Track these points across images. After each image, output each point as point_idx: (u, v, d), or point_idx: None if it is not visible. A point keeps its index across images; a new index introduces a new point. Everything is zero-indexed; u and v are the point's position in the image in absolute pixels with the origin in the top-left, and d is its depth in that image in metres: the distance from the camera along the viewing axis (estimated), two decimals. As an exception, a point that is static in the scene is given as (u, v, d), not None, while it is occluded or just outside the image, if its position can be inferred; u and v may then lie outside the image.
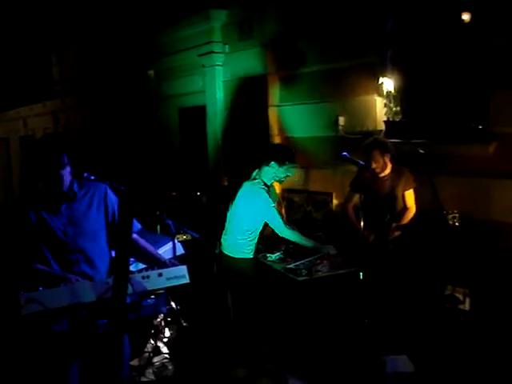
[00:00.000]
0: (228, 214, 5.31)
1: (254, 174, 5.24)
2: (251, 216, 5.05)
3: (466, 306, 4.95)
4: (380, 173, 5.18)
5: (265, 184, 5.11)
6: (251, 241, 5.12)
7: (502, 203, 5.00)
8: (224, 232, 5.33)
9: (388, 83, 6.00)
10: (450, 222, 4.48)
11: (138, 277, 3.00)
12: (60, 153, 3.16)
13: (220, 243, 5.35)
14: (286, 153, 5.22)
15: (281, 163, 5.12)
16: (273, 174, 5.15)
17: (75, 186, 3.38)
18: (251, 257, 5.15)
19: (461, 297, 4.96)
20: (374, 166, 5.08)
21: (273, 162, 5.12)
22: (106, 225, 3.47)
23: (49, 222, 3.24)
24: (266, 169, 5.16)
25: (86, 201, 3.41)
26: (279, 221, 5.00)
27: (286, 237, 5.03)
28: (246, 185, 5.16)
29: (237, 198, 5.19)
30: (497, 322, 4.69)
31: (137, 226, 3.65)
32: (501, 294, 4.81)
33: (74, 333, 3.08)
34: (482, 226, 5.00)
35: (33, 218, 3.21)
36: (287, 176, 5.25)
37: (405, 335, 4.78)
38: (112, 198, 3.52)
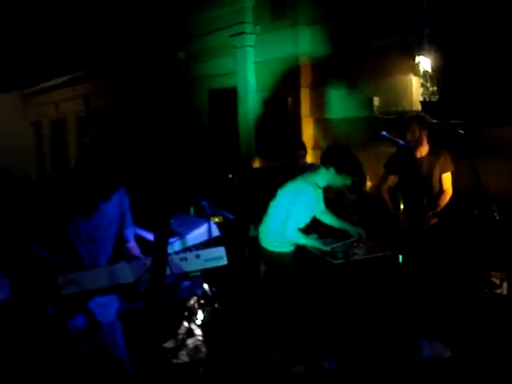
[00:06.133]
0: (270, 204, 5.05)
1: (311, 171, 4.99)
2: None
3: (504, 290, 4.86)
4: (415, 149, 5.04)
5: (317, 185, 4.84)
6: None
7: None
8: (263, 222, 5.10)
9: (424, 62, 5.87)
10: (492, 214, 4.38)
11: (175, 258, 2.95)
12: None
13: (257, 232, 5.18)
14: (350, 162, 4.74)
15: (340, 171, 4.72)
16: (328, 178, 4.81)
17: None
18: (290, 250, 4.95)
19: (497, 281, 4.87)
20: (409, 137, 4.96)
21: (332, 168, 4.72)
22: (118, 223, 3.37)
23: (78, 228, 3.11)
24: (323, 171, 4.80)
25: (111, 204, 3.25)
26: (292, 223, 4.77)
27: (290, 238, 4.85)
28: (298, 180, 4.89)
29: (284, 190, 4.93)
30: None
31: (130, 233, 3.49)
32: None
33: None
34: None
35: (66, 223, 3.08)
36: (345, 185, 4.88)
37: (441, 320, 4.70)
38: (126, 202, 3.39)
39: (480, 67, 5.38)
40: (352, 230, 5.05)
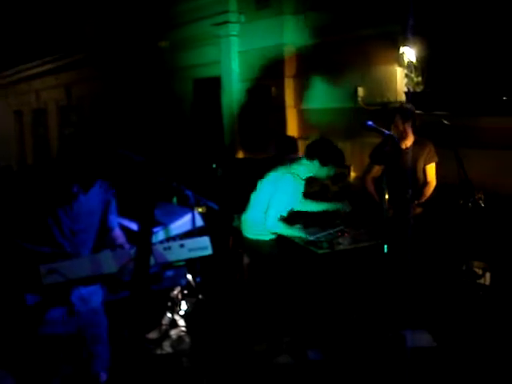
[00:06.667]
0: (252, 194, 5.07)
1: (292, 162, 4.97)
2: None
3: (486, 280, 4.88)
4: (399, 141, 5.04)
5: (298, 175, 4.83)
6: None
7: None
8: (245, 211, 5.11)
9: (409, 53, 5.86)
10: (476, 203, 4.38)
11: (159, 248, 2.91)
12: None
13: (240, 222, 5.19)
14: (334, 154, 4.81)
15: (324, 164, 4.78)
16: (313, 170, 4.85)
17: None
18: (272, 237, 4.93)
19: (480, 271, 4.89)
20: (392, 131, 4.95)
21: (316, 160, 4.78)
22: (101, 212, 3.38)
23: (59, 220, 3.11)
24: (307, 163, 4.84)
25: (92, 192, 3.27)
26: (274, 213, 4.77)
27: (272, 229, 4.84)
28: (279, 170, 4.90)
29: (265, 180, 4.95)
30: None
31: (114, 221, 3.49)
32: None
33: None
34: (507, 200, 4.90)
35: (49, 221, 3.08)
36: (329, 176, 4.99)
37: (426, 310, 4.72)
38: (110, 192, 3.39)
39: (464, 58, 5.38)
40: (336, 206, 5.15)
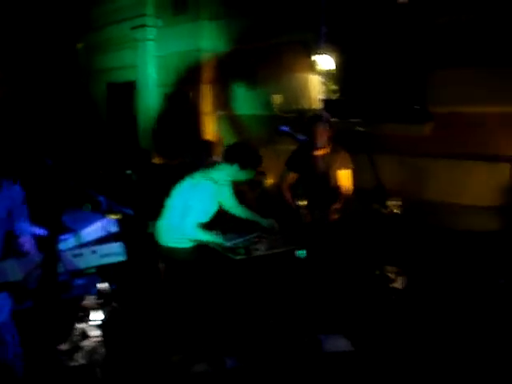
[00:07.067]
0: (167, 200, 4.98)
1: (209, 167, 4.93)
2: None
3: (399, 284, 4.98)
4: (318, 148, 5.09)
5: (214, 180, 4.79)
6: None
7: (437, 183, 5.04)
8: (159, 218, 5.01)
9: (323, 61, 5.95)
10: (391, 210, 4.46)
11: (69, 254, 2.79)
12: None
13: (154, 229, 5.07)
14: (253, 158, 4.80)
15: (244, 167, 4.75)
16: (232, 174, 4.83)
17: None
18: (189, 246, 4.88)
19: (393, 276, 4.98)
20: (318, 139, 5.00)
21: (236, 164, 4.73)
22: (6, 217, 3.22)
23: None
24: (226, 167, 4.81)
25: None
26: (192, 219, 4.72)
27: (190, 235, 4.80)
28: (195, 175, 4.84)
29: (181, 185, 4.87)
30: (430, 300, 4.75)
31: (27, 228, 3.35)
32: (434, 272, 4.87)
33: None
34: (416, 205, 5.03)
35: None
36: (247, 180, 4.97)
37: (342, 314, 4.77)
38: (18, 195, 3.24)
39: (377, 67, 5.52)
40: (264, 221, 5.10)
